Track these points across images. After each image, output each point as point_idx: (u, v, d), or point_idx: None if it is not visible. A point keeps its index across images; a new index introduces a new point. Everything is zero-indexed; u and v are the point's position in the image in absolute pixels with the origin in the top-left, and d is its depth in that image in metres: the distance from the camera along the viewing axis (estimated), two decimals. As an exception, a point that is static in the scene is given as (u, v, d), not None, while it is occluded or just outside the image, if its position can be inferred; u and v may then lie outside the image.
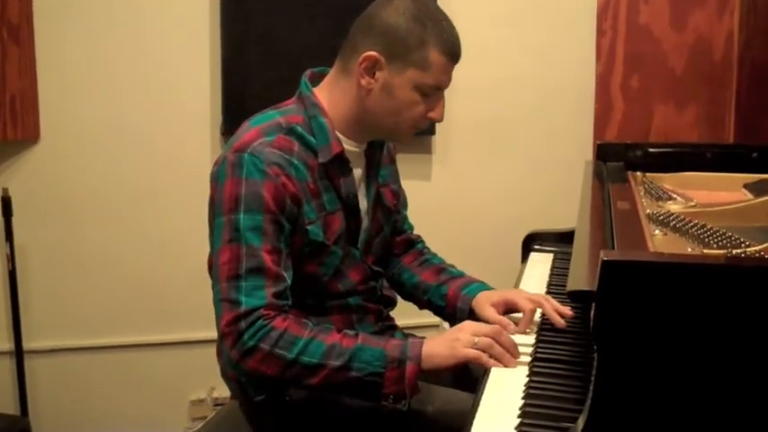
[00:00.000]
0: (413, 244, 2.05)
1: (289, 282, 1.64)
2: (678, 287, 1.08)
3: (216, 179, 1.67)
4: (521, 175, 3.17)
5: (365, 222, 1.82)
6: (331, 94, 1.74)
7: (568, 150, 3.14)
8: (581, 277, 1.28)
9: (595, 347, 1.12)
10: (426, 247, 2.08)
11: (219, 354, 1.85)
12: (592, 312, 1.11)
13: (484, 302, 1.82)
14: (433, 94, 1.71)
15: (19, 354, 2.82)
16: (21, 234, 2.79)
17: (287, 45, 2.85)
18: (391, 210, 1.93)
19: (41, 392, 2.92)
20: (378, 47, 1.65)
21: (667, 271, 1.09)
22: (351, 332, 1.64)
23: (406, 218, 2.05)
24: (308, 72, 1.79)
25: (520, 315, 1.76)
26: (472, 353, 1.55)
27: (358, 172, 1.80)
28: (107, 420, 2.97)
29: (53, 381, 2.93)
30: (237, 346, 1.57)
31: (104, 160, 2.87)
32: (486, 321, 1.76)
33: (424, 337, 1.61)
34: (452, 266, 2.02)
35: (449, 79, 1.72)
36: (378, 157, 1.85)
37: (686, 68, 3.10)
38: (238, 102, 2.84)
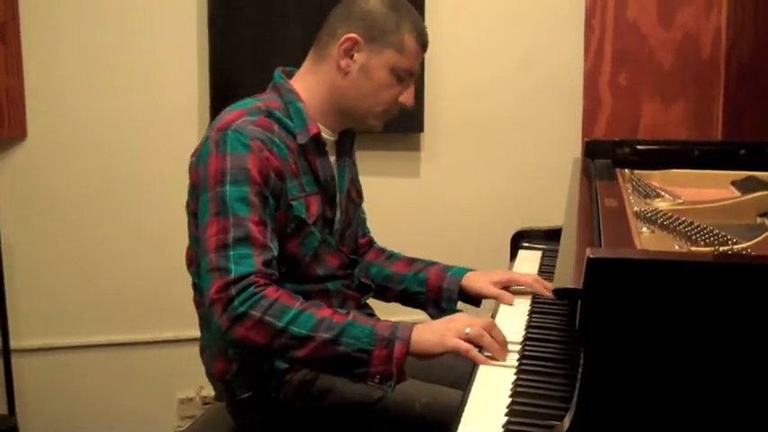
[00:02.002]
0: (372, 245, 2.10)
1: (275, 253, 1.66)
2: (665, 285, 1.07)
3: (197, 161, 1.71)
4: (509, 172, 3.17)
5: (338, 213, 1.86)
6: (306, 82, 1.81)
7: (557, 148, 3.14)
8: (567, 275, 1.27)
9: (582, 345, 1.12)
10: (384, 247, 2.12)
11: (203, 351, 1.85)
12: (578, 310, 1.11)
13: (481, 278, 1.90)
14: (405, 78, 1.79)
15: (6, 352, 2.81)
16: (7, 232, 2.78)
17: (275, 36, 2.84)
18: (357, 206, 1.98)
19: (29, 391, 2.91)
20: (357, 29, 1.75)
21: (654, 268, 1.08)
22: (342, 310, 1.65)
23: (365, 221, 2.09)
24: (278, 68, 1.86)
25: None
26: (462, 344, 1.55)
27: (333, 160, 1.85)
28: (95, 419, 2.97)
29: (41, 379, 2.92)
30: (227, 313, 1.56)
31: (92, 157, 2.86)
32: (486, 295, 1.86)
33: (414, 323, 1.62)
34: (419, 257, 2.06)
35: (418, 66, 1.82)
36: (348, 148, 1.91)
37: (674, 65, 3.11)
38: (226, 98, 2.81)
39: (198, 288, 1.83)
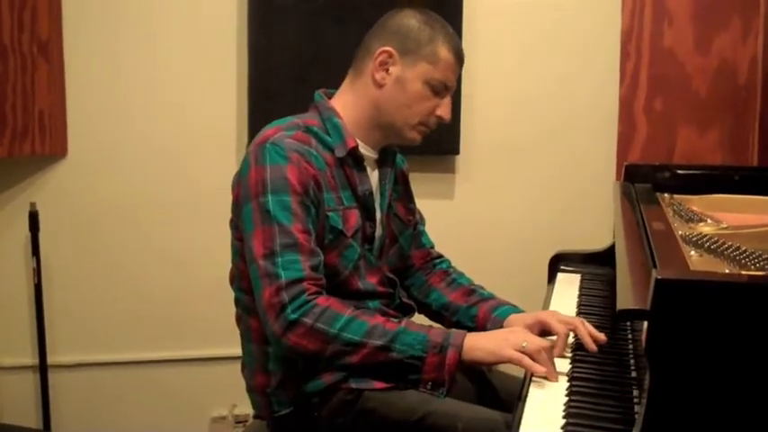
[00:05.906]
0: (433, 259, 2.08)
1: (322, 257, 1.69)
2: (732, 306, 1.08)
3: (238, 177, 1.76)
4: (543, 194, 3.17)
5: (379, 230, 1.87)
6: (345, 98, 1.85)
7: (591, 171, 3.14)
8: (629, 297, 1.28)
9: (648, 366, 1.12)
10: (452, 267, 2.10)
11: (243, 367, 1.86)
12: (644, 332, 1.11)
13: (517, 324, 1.83)
14: (441, 91, 1.81)
15: (43, 368, 2.82)
16: (47, 248, 2.80)
17: (313, 61, 2.85)
18: (406, 224, 1.98)
19: (64, 407, 2.92)
20: (392, 43, 1.79)
21: (722, 289, 1.09)
22: (394, 318, 1.66)
23: (424, 233, 2.08)
24: (320, 90, 1.90)
25: (554, 338, 1.76)
26: (516, 354, 1.57)
27: (374, 175, 1.87)
28: (128, 436, 2.98)
29: (76, 395, 2.93)
30: (280, 320, 1.60)
31: (131, 176, 2.88)
32: None
33: (467, 331, 1.63)
34: (482, 287, 2.03)
35: (455, 80, 1.83)
36: (390, 167, 1.92)
37: (710, 92, 3.10)
38: (264, 121, 2.83)
39: (240, 303, 1.85)
